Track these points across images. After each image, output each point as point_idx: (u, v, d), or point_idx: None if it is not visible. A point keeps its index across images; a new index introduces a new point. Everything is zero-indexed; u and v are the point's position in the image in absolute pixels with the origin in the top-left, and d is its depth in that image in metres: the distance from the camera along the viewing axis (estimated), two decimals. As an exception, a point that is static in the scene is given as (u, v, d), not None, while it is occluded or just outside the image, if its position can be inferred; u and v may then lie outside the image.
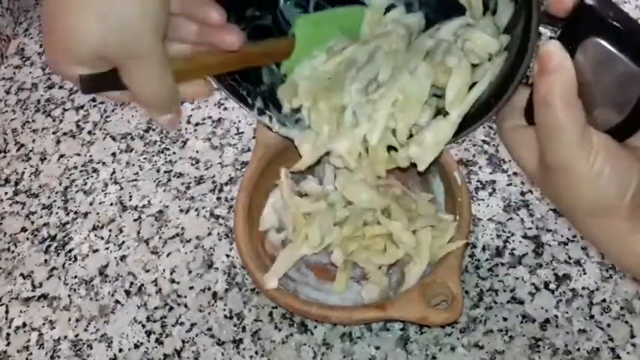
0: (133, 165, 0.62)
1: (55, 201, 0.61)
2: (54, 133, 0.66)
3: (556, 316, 0.49)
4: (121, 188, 0.61)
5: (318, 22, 0.45)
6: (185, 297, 0.53)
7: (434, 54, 0.42)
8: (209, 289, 0.53)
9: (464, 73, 0.39)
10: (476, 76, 0.39)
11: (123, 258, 0.56)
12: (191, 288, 0.54)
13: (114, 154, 0.63)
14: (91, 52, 0.36)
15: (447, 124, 0.40)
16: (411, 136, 0.42)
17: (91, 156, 0.64)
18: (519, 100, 0.36)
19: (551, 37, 0.34)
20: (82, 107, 0.68)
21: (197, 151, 0.62)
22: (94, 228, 0.58)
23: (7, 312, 0.55)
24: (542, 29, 0.34)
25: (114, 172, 0.62)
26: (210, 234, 0.56)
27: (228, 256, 0.55)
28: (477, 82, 0.39)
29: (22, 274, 0.57)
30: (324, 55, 0.45)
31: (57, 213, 0.60)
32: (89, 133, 0.66)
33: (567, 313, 0.49)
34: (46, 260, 0.57)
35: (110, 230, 0.58)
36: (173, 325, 0.52)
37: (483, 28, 0.39)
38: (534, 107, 0.33)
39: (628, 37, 0.32)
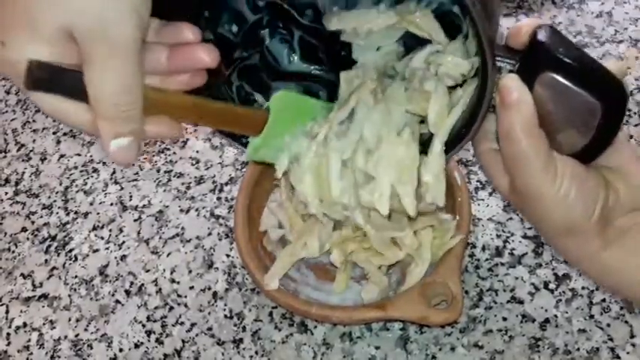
0: (133, 165, 0.62)
1: (55, 201, 0.61)
2: (54, 133, 0.66)
3: (556, 315, 0.49)
4: (122, 188, 0.61)
5: (295, 100, 0.44)
6: (185, 297, 0.53)
7: (410, 83, 0.43)
8: (209, 289, 0.53)
9: (441, 95, 0.40)
10: (453, 100, 0.41)
11: (123, 258, 0.56)
12: (191, 288, 0.54)
13: (114, 154, 0.63)
14: (59, 22, 0.29)
15: (434, 158, 0.42)
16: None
17: (91, 156, 0.64)
18: (491, 125, 0.37)
19: (510, 71, 0.35)
20: (82, 107, 0.68)
21: (197, 151, 0.62)
22: (95, 228, 0.59)
23: (7, 312, 0.55)
24: (500, 64, 0.35)
25: (114, 172, 0.62)
26: (210, 234, 0.57)
27: (228, 256, 0.55)
28: (454, 107, 0.40)
29: (22, 274, 0.57)
30: (306, 142, 0.44)
31: (57, 213, 0.60)
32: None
33: (567, 312, 0.49)
34: (46, 260, 0.57)
35: (110, 230, 0.58)
36: (173, 325, 0.52)
37: (453, 52, 0.40)
38: (499, 139, 0.35)
39: (581, 72, 0.33)
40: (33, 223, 0.60)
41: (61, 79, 0.30)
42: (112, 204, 0.60)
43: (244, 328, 0.51)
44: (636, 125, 0.58)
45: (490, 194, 0.55)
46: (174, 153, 0.62)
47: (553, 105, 0.34)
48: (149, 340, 0.51)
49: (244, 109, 0.43)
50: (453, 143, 0.41)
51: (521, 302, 0.50)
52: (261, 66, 0.47)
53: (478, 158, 0.40)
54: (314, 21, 0.48)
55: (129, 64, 0.30)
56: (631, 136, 0.57)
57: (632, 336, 0.47)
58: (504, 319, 0.49)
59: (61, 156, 0.64)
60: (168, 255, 0.56)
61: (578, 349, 0.47)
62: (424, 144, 0.42)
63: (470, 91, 0.39)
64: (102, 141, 0.32)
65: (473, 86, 0.39)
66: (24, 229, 0.60)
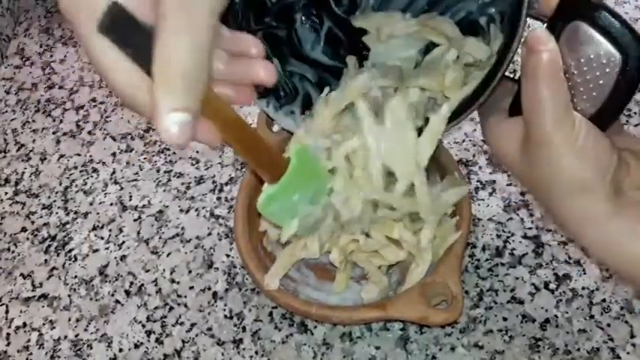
0: (133, 165, 0.62)
1: (55, 201, 0.61)
2: (54, 133, 0.66)
3: (556, 316, 0.49)
4: (121, 188, 0.61)
5: (312, 159, 0.43)
6: (185, 297, 0.53)
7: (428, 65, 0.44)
8: (209, 289, 0.53)
9: (459, 68, 0.42)
10: (467, 78, 0.42)
11: (123, 258, 0.56)
12: (191, 288, 0.54)
13: (114, 154, 0.63)
14: None
15: (438, 120, 0.42)
16: None
17: (91, 156, 0.64)
18: (505, 101, 0.38)
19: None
20: (82, 107, 0.68)
21: (197, 151, 0.62)
22: (94, 228, 0.58)
23: (7, 312, 0.55)
24: (530, 21, 0.37)
25: (114, 172, 0.62)
26: (210, 234, 0.57)
27: (228, 256, 0.55)
28: (469, 82, 0.42)
29: (22, 274, 0.57)
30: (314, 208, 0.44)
31: (57, 213, 0.60)
32: (89, 133, 0.66)
33: (567, 313, 0.49)
34: (46, 260, 0.57)
35: (110, 230, 0.58)
36: (173, 325, 0.52)
37: (472, 43, 0.42)
38: (522, 85, 0.35)
39: (605, 23, 0.35)
40: (33, 223, 0.60)
41: (132, 33, 0.28)
42: (111, 204, 0.60)
43: (244, 328, 0.51)
44: (636, 125, 0.58)
45: (490, 194, 0.55)
46: (174, 153, 0.62)
47: (574, 62, 0.35)
48: (149, 340, 0.51)
49: (275, 149, 0.42)
50: (468, 103, 0.41)
51: (521, 302, 0.50)
52: (285, 41, 0.49)
53: (485, 131, 0.40)
54: (347, 12, 0.49)
55: (205, 34, 0.29)
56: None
57: (633, 336, 0.47)
58: (504, 319, 0.49)
59: (61, 156, 0.64)
60: (168, 255, 0.56)
61: (578, 349, 0.47)
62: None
63: (484, 71, 0.41)
64: (156, 114, 0.28)
65: (487, 69, 0.40)
66: (24, 229, 0.60)
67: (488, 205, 0.55)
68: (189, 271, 0.55)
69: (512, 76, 0.39)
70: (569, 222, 0.37)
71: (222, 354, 0.50)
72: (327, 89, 0.46)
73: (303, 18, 0.49)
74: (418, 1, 0.47)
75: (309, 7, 0.49)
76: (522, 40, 0.36)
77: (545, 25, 0.36)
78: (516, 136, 0.37)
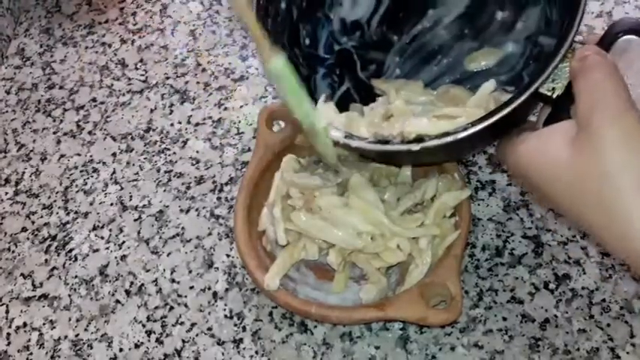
0: (133, 165, 0.62)
1: (55, 201, 0.61)
2: (54, 133, 0.66)
3: (556, 315, 0.49)
4: (122, 188, 0.61)
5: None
6: (185, 297, 0.53)
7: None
8: (209, 288, 0.53)
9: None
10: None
11: (123, 258, 0.56)
12: (191, 288, 0.54)
13: (114, 154, 0.63)
14: None
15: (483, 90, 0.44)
16: None
17: (91, 156, 0.64)
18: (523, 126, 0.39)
19: None
20: (82, 107, 0.68)
21: (197, 151, 0.62)
22: (95, 228, 0.59)
23: (7, 312, 0.55)
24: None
25: (114, 172, 0.62)
26: (210, 234, 0.57)
27: (228, 256, 0.55)
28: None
29: (22, 274, 0.57)
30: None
31: (57, 213, 0.60)
32: (89, 133, 0.66)
33: (567, 312, 0.49)
34: (46, 260, 0.57)
35: (110, 230, 0.58)
36: (173, 325, 0.52)
37: None
38: (575, 82, 0.36)
39: None
40: (33, 223, 0.60)
41: None
42: (112, 204, 0.60)
43: (244, 328, 0.51)
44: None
45: (490, 194, 0.55)
46: (174, 153, 0.62)
47: (626, 73, 0.36)
48: (149, 340, 0.51)
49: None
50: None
51: (521, 302, 0.50)
52: (303, 79, 0.49)
53: (513, 157, 0.39)
54: (371, 77, 0.51)
55: None
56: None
57: (632, 336, 0.47)
58: (504, 319, 0.49)
59: (61, 156, 0.64)
60: (169, 255, 0.56)
61: (578, 349, 0.47)
62: None
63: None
64: None
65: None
66: (24, 229, 0.60)
67: (488, 205, 0.55)
68: (190, 271, 0.55)
69: (549, 93, 0.38)
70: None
71: (223, 354, 0.50)
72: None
73: (324, 73, 0.51)
74: (443, 78, 0.49)
75: (335, 66, 0.51)
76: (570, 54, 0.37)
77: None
78: (560, 141, 0.36)
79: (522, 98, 0.38)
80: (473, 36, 0.52)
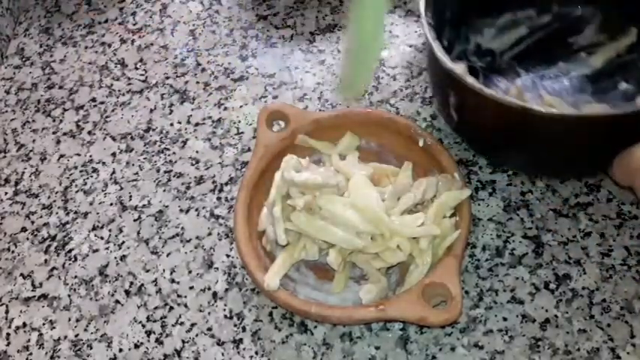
0: (133, 165, 0.62)
1: (55, 201, 0.61)
2: (54, 133, 0.66)
3: (556, 316, 0.49)
4: (121, 188, 0.61)
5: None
6: (185, 297, 0.53)
7: None
8: (209, 289, 0.53)
9: None
10: None
11: (123, 258, 0.56)
12: (191, 288, 0.54)
13: (114, 154, 0.63)
14: None
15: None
16: None
17: (91, 156, 0.64)
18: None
19: None
20: (82, 107, 0.68)
21: (197, 151, 0.62)
22: (94, 228, 0.59)
23: (7, 312, 0.55)
24: None
25: (114, 172, 0.62)
26: (210, 234, 0.57)
27: (228, 256, 0.55)
28: None
29: (22, 274, 0.57)
30: None
31: (57, 213, 0.60)
32: (89, 133, 0.66)
33: (567, 313, 0.49)
34: (46, 260, 0.57)
35: (110, 230, 0.58)
36: (173, 325, 0.52)
37: None
38: None
39: None
40: (33, 223, 0.60)
41: None
42: (111, 204, 0.60)
43: (244, 328, 0.51)
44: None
45: (490, 194, 0.55)
46: (174, 153, 0.62)
47: None
48: (149, 340, 0.51)
49: None
50: None
51: (521, 302, 0.50)
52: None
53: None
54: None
55: None
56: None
57: (633, 336, 0.47)
58: (504, 319, 0.49)
59: (61, 156, 0.64)
60: (168, 255, 0.56)
61: (578, 350, 0.47)
62: None
63: None
64: None
65: None
66: (23, 229, 0.60)
67: (488, 205, 0.55)
68: (189, 271, 0.55)
69: None
70: None
71: (222, 354, 0.50)
72: None
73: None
74: None
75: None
76: None
77: None
78: None
79: None
80: (593, 93, 0.57)
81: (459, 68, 0.46)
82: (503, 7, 0.59)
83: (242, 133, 0.63)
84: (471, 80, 0.45)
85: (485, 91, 0.44)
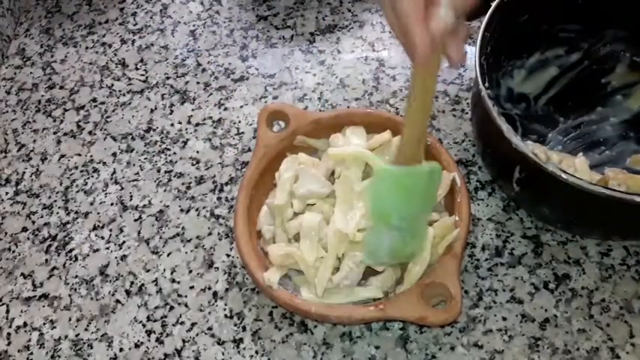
0: (134, 165, 0.62)
1: (55, 201, 0.61)
2: (54, 133, 0.66)
3: (555, 315, 0.49)
4: (122, 188, 0.61)
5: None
6: (185, 296, 0.53)
7: None
8: (209, 288, 0.54)
9: None
10: None
11: (123, 258, 0.56)
12: (191, 287, 0.54)
13: (114, 154, 0.63)
14: None
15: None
16: None
17: (91, 156, 0.64)
18: None
19: None
20: (82, 107, 0.68)
21: (197, 151, 0.62)
22: (95, 228, 0.59)
23: (7, 312, 0.55)
24: None
25: (114, 172, 0.62)
26: (210, 234, 0.57)
27: (228, 255, 0.55)
28: None
29: (22, 274, 0.57)
30: None
31: (57, 213, 0.60)
32: (90, 133, 0.66)
33: (567, 312, 0.49)
34: (46, 260, 0.57)
35: (111, 230, 0.58)
36: (173, 325, 0.52)
37: None
38: None
39: None
40: (33, 223, 0.60)
41: None
42: (112, 204, 0.60)
43: (244, 328, 0.51)
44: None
45: (490, 194, 0.56)
46: (175, 153, 0.63)
47: None
48: (149, 340, 0.52)
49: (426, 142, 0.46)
50: None
51: (520, 302, 0.50)
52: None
53: None
54: None
55: None
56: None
57: (632, 336, 0.47)
58: (504, 318, 0.49)
59: (62, 156, 0.64)
60: (169, 255, 0.56)
61: (577, 349, 0.47)
62: None
63: None
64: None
65: None
66: (24, 229, 0.60)
67: (487, 205, 0.55)
68: (190, 271, 0.55)
69: None
70: None
71: (223, 353, 0.50)
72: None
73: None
74: (603, 167, 0.53)
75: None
76: None
77: None
78: None
79: None
80: (638, 140, 0.56)
81: (538, 150, 0.45)
82: (531, 47, 0.58)
83: (242, 133, 0.63)
84: (552, 168, 0.42)
85: (571, 180, 0.42)
